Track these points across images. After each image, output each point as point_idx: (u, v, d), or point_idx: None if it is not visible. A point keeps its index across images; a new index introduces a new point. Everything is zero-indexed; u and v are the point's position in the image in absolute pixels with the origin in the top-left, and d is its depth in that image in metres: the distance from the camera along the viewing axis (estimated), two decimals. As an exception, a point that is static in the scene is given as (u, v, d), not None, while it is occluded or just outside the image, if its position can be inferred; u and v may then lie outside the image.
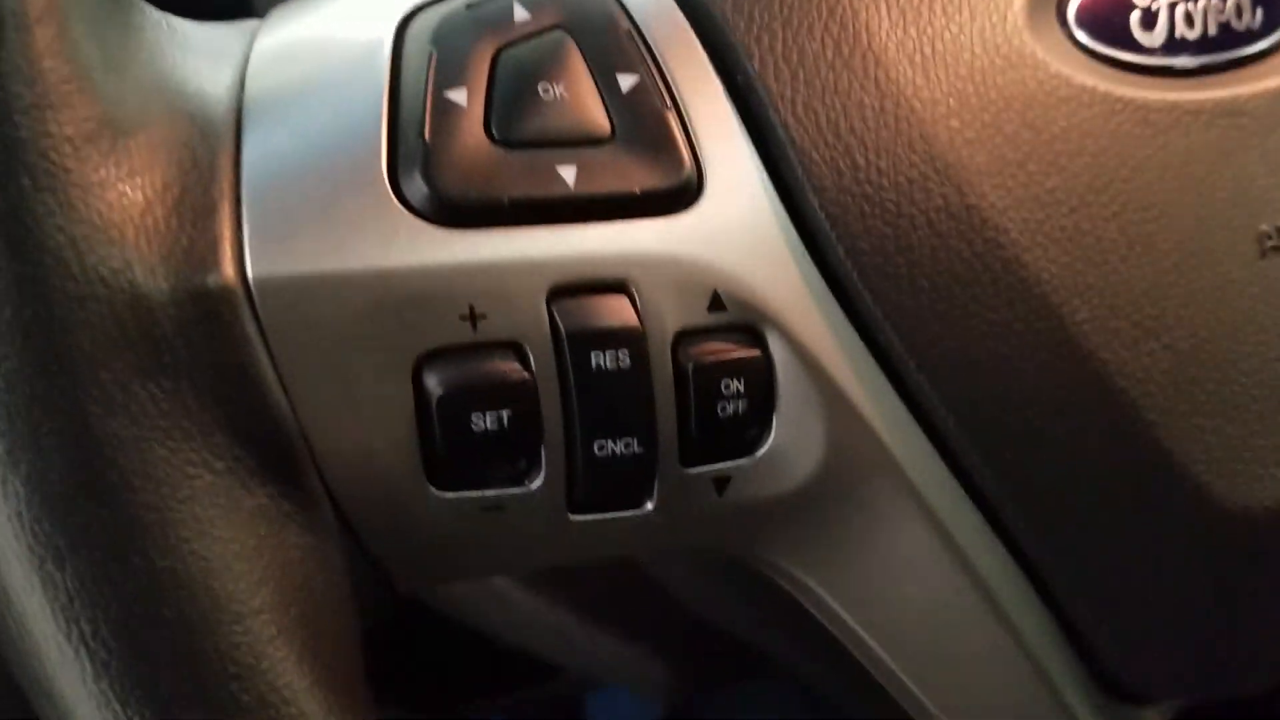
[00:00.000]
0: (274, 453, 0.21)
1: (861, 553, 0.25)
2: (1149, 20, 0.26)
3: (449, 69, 0.22)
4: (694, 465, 0.23)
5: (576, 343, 0.22)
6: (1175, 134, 0.25)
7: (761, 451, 0.24)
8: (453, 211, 0.21)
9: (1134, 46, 0.26)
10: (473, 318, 0.21)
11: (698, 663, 0.46)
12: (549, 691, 0.58)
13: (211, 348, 0.20)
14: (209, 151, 0.21)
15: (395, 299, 0.21)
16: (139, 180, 0.20)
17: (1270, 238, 0.26)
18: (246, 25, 0.25)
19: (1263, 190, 0.26)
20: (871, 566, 0.25)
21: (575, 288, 0.22)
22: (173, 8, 0.24)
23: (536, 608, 0.42)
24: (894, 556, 0.25)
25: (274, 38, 0.24)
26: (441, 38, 0.22)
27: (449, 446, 0.21)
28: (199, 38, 0.24)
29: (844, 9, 0.24)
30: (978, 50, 0.24)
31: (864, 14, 0.24)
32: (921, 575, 0.25)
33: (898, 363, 0.24)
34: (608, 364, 0.22)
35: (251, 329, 0.20)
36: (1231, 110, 0.26)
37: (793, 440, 0.24)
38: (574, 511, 0.23)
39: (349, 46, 0.23)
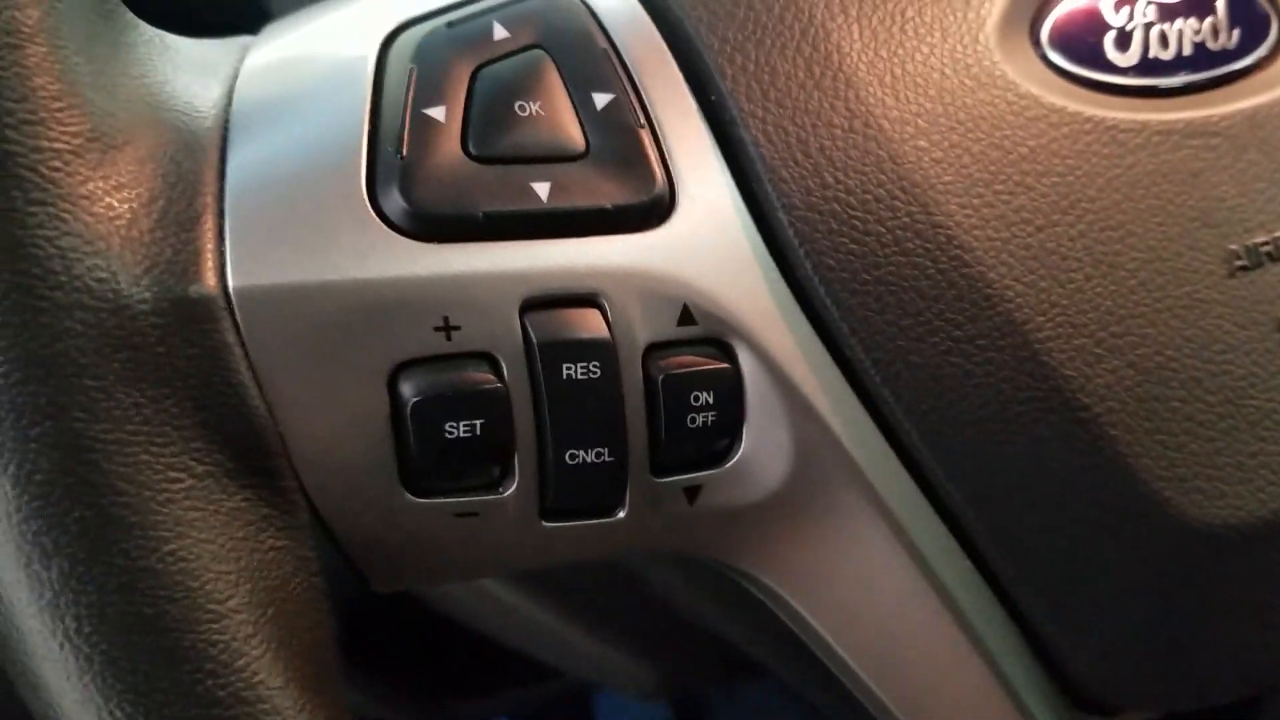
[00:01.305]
0: (252, 458, 0.21)
1: (827, 560, 0.26)
2: (1123, 41, 0.26)
3: (428, 86, 0.23)
4: (665, 475, 0.24)
5: (548, 354, 0.22)
6: (1144, 154, 0.25)
7: (731, 462, 0.24)
8: (428, 225, 0.22)
9: (1107, 67, 0.26)
10: (447, 329, 0.22)
11: (685, 664, 0.46)
12: (546, 691, 0.58)
13: (193, 355, 0.21)
14: (195, 164, 0.22)
15: (371, 310, 0.22)
16: (126, 193, 0.21)
17: (1240, 257, 0.26)
18: (239, 41, 0.26)
19: (1233, 210, 0.26)
20: (837, 574, 0.26)
21: (547, 300, 0.22)
22: (185, 24, 0.25)
23: (525, 608, 0.42)
24: (859, 564, 0.25)
25: (263, 54, 0.24)
26: (422, 55, 0.23)
27: (423, 453, 0.22)
28: (192, 54, 0.24)
29: (816, 30, 0.24)
30: (948, 71, 0.25)
31: (836, 35, 0.24)
32: (885, 583, 0.26)
33: (863, 376, 0.24)
34: (579, 375, 0.22)
35: (232, 337, 0.21)
36: (1204, 130, 0.26)
37: (761, 451, 0.24)
38: (546, 519, 0.24)
39: (333, 63, 0.24)
